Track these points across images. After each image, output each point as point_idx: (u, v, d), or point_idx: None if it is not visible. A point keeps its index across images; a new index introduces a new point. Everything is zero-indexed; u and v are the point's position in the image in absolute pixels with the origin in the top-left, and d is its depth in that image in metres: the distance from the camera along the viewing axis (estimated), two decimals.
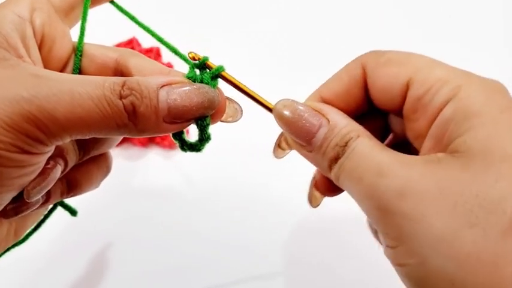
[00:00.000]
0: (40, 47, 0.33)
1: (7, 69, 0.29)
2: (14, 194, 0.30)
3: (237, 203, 0.55)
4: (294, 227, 0.54)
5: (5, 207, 0.31)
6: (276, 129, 0.34)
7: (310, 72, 0.66)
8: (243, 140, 0.59)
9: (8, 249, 0.37)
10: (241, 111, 0.34)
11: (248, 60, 0.66)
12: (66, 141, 0.29)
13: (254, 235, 0.53)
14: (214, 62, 0.33)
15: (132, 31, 0.64)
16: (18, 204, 0.31)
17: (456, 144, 0.26)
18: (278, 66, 0.67)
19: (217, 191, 0.56)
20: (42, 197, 0.32)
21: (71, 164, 0.33)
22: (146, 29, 0.36)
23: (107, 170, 0.38)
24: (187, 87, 0.30)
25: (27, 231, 0.36)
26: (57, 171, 0.32)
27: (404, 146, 0.32)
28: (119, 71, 0.35)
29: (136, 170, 0.58)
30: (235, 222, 0.54)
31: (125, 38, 0.66)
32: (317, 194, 0.35)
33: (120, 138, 0.40)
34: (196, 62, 0.32)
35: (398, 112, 0.30)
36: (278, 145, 0.35)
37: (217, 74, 0.32)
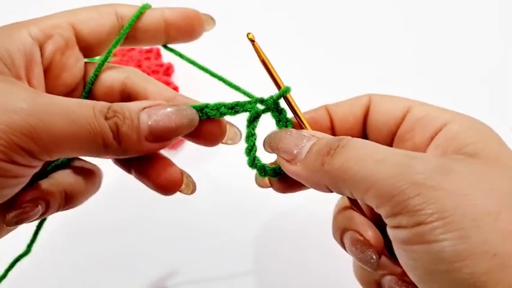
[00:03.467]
0: (46, 72, 0.34)
1: (6, 82, 0.30)
2: None
3: (237, 203, 0.55)
4: (288, 227, 0.54)
5: (7, 214, 0.32)
6: None
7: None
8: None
9: (18, 260, 0.39)
10: (241, 135, 0.37)
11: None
12: (54, 158, 0.30)
13: (253, 235, 0.53)
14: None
15: None
16: (19, 213, 0.32)
17: (470, 150, 0.28)
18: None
19: (217, 192, 0.56)
20: (42, 208, 0.33)
21: (52, 210, 0.34)
22: (202, 68, 0.37)
23: (98, 187, 0.38)
24: (167, 108, 0.32)
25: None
26: (37, 212, 0.33)
27: None
28: (126, 93, 0.36)
29: None
30: (234, 222, 0.54)
31: None
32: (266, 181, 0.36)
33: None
34: (274, 96, 0.34)
35: (389, 139, 0.34)
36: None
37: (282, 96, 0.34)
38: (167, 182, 0.35)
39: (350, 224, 0.33)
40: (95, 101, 0.31)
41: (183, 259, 0.52)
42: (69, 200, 0.35)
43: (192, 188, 0.37)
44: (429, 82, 0.65)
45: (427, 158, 0.28)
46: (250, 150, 0.34)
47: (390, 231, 0.28)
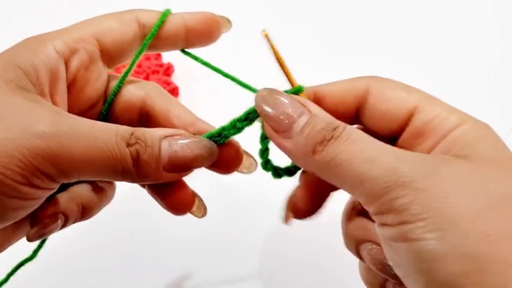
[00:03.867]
0: (69, 87, 0.34)
1: (30, 101, 0.29)
2: (3, 225, 0.30)
3: (238, 204, 0.56)
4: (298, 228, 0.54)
5: (30, 230, 0.32)
6: None
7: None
8: (245, 142, 0.59)
9: (21, 265, 0.39)
10: (256, 165, 0.37)
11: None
12: (73, 180, 0.30)
13: (252, 234, 0.54)
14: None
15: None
16: (40, 228, 0.32)
17: (466, 153, 0.28)
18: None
19: (221, 194, 0.56)
20: (61, 222, 0.34)
21: (70, 223, 0.35)
22: (220, 72, 0.37)
23: (111, 198, 0.39)
24: (188, 140, 0.32)
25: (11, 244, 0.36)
26: (57, 226, 0.33)
27: None
28: (145, 111, 0.36)
29: None
30: (234, 222, 0.54)
31: None
32: (290, 214, 0.36)
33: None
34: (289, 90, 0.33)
35: (388, 135, 0.33)
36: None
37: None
38: (179, 202, 0.35)
39: (366, 235, 0.33)
40: (117, 126, 0.31)
41: (187, 261, 0.52)
42: (85, 212, 0.35)
43: (203, 212, 0.37)
44: (429, 81, 0.65)
45: (415, 159, 0.28)
46: (264, 152, 0.34)
47: (378, 229, 0.28)
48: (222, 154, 0.34)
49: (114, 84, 0.36)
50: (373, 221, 0.32)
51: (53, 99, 0.32)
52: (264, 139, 0.34)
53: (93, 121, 0.31)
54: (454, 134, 0.30)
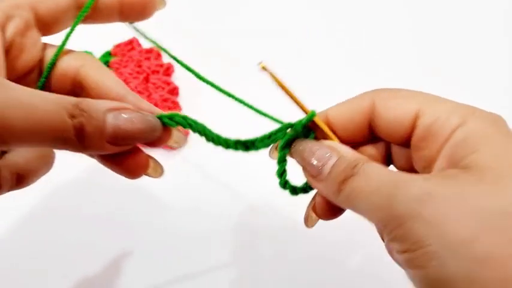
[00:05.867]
0: (5, 54, 0.34)
1: None
2: None
3: (238, 204, 0.55)
4: (297, 228, 0.54)
5: None
6: None
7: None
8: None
9: None
10: (186, 139, 0.38)
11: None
12: (12, 148, 0.30)
13: (254, 235, 0.53)
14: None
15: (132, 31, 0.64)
16: None
17: (468, 162, 0.28)
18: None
19: (218, 192, 0.56)
20: None
21: (3, 191, 0.34)
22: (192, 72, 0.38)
23: (50, 166, 0.38)
24: (133, 114, 0.32)
25: None
26: None
27: None
28: (78, 82, 0.36)
29: None
30: (235, 223, 0.54)
31: (125, 38, 0.66)
32: (313, 215, 0.36)
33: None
34: (302, 120, 0.34)
35: (403, 143, 0.33)
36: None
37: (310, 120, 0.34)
38: (133, 167, 0.35)
39: None
40: (59, 96, 0.31)
41: (193, 263, 0.52)
42: (20, 180, 0.35)
43: (160, 172, 0.37)
44: (430, 79, 0.65)
45: (412, 184, 0.28)
46: (282, 174, 0.36)
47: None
48: None
49: (49, 53, 0.37)
50: None
51: None
52: (281, 161, 0.35)
53: (33, 90, 0.30)
54: (455, 138, 0.30)
